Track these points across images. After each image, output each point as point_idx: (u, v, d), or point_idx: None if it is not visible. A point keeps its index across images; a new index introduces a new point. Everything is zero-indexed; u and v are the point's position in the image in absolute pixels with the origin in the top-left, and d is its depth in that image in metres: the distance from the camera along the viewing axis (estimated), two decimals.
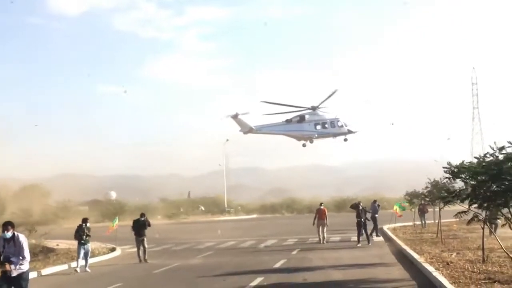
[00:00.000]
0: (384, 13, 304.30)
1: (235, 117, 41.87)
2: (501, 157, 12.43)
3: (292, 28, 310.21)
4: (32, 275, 17.44)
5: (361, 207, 25.29)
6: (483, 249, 15.82)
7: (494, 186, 12.55)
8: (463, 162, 14.06)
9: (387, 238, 26.67)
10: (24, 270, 9.68)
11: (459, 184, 15.64)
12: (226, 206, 74.58)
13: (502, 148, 12.35)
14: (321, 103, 42.89)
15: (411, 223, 33.73)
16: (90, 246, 19.70)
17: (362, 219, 24.83)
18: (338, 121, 43.49)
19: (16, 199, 51.45)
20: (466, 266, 14.48)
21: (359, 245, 23.90)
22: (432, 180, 24.64)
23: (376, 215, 28.32)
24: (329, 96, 41.77)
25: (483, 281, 12.00)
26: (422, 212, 33.61)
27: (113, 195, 76.73)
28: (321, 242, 25.58)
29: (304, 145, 44.30)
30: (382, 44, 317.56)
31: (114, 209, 59.56)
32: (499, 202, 12.70)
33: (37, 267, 19.09)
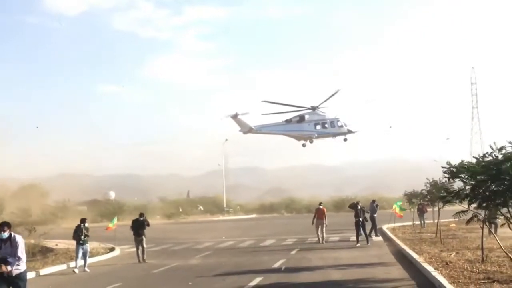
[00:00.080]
0: (384, 13, 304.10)
1: (234, 117, 41.88)
2: (500, 157, 12.42)
3: (291, 28, 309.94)
4: (31, 275, 17.47)
5: (359, 207, 25.30)
6: (482, 249, 15.82)
7: (493, 186, 12.53)
8: (462, 161, 14.05)
9: (386, 238, 26.67)
10: (22, 271, 9.66)
11: (458, 184, 15.63)
12: (225, 206, 74.61)
13: (502, 148, 12.35)
14: (323, 102, 42.87)
15: (410, 223, 33.72)
16: (89, 246, 19.71)
17: (361, 219, 24.83)
18: (338, 121, 43.50)
19: (15, 199, 51.39)
20: (465, 266, 14.48)
21: (358, 245, 23.90)
22: (431, 180, 24.62)
23: (375, 215, 28.33)
24: (331, 96, 41.80)
25: (482, 281, 12.00)
26: (421, 212, 33.61)
27: (112, 195, 76.71)
28: (320, 242, 25.58)
29: (304, 145, 44.32)
30: (382, 44, 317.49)
31: (113, 209, 59.56)
32: (498, 202, 12.69)
33: (36, 267, 19.10)
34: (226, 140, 73.47)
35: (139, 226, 21.32)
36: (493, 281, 11.87)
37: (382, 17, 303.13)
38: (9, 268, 9.39)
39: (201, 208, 72.80)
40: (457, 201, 15.75)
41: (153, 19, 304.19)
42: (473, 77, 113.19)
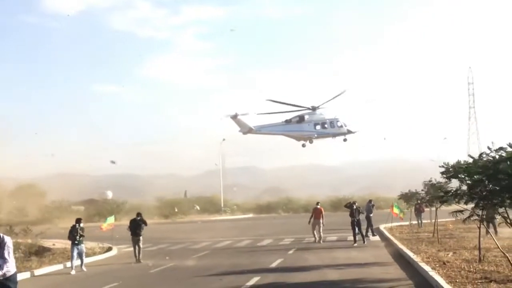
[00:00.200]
0: (384, 13, 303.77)
1: (234, 117, 41.86)
2: (497, 157, 12.43)
3: (291, 28, 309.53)
4: (26, 275, 17.49)
5: (355, 207, 25.32)
6: (479, 249, 15.83)
7: (491, 185, 12.54)
8: (458, 161, 14.07)
9: (384, 238, 26.69)
10: (12, 273, 9.55)
11: (455, 183, 15.64)
12: (222, 205, 74.55)
13: (500, 149, 12.36)
14: (327, 102, 42.86)
15: (407, 223, 33.76)
16: (84, 246, 19.64)
17: (356, 219, 24.87)
18: (338, 121, 43.50)
19: (12, 199, 51.34)
20: (463, 266, 14.50)
21: (355, 244, 23.90)
22: (429, 180, 24.64)
23: (371, 215, 28.40)
24: (336, 96, 41.87)
25: (480, 281, 12.01)
26: (419, 212, 33.66)
27: (109, 194, 76.53)
28: (316, 241, 25.61)
29: (303, 145, 44.32)
30: (382, 44, 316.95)
31: (110, 209, 59.46)
32: (495, 201, 12.70)
33: (33, 267, 19.06)
34: (224, 140, 73.61)
35: (136, 226, 21.29)
36: (491, 281, 11.87)
37: (382, 17, 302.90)
38: (1, 272, 9.29)
39: (198, 208, 72.71)
40: (455, 201, 15.77)
41: (151, 18, 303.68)
42: (470, 77, 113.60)
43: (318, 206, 26.68)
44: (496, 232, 22.43)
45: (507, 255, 13.38)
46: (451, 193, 15.15)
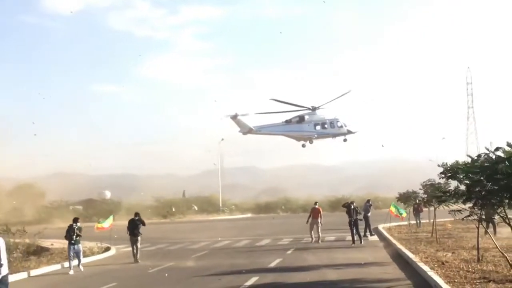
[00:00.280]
0: (384, 13, 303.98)
1: (234, 117, 41.84)
2: (494, 157, 12.43)
3: (291, 28, 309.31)
4: (24, 275, 17.48)
5: (352, 207, 25.32)
6: (478, 249, 15.84)
7: (489, 185, 12.54)
8: (457, 162, 14.06)
9: (382, 238, 26.69)
10: (4, 274, 9.50)
11: (454, 183, 15.64)
12: (221, 205, 74.55)
13: (497, 149, 12.36)
14: (330, 102, 42.84)
15: (406, 223, 33.76)
16: (81, 246, 19.56)
17: (353, 219, 24.87)
18: (338, 121, 43.47)
19: (11, 199, 51.29)
20: (461, 266, 14.50)
21: (353, 244, 23.90)
22: (427, 181, 24.64)
23: (368, 215, 28.42)
24: (340, 96, 41.88)
25: (478, 281, 12.00)
26: (417, 212, 33.65)
27: (108, 194, 76.51)
28: (313, 241, 25.62)
29: (303, 146, 44.33)
30: (382, 44, 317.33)
31: (108, 208, 59.42)
32: (494, 201, 12.70)
33: (31, 267, 19.04)
34: (222, 139, 73.71)
35: (134, 226, 21.26)
36: (489, 281, 11.87)
37: (382, 17, 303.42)
38: None
39: (196, 207, 72.69)
40: (452, 201, 15.77)
41: (150, 18, 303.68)
42: (469, 77, 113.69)
43: (316, 206, 26.68)
44: (495, 232, 22.44)
45: (505, 255, 13.38)
46: (449, 193, 15.16)
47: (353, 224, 24.74)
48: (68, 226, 19.27)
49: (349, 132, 44.17)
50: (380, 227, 31.86)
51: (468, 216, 14.42)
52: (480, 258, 15.27)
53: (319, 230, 25.98)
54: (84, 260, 19.48)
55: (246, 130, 42.40)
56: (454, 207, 15.67)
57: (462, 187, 14.13)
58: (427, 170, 25.76)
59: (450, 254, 17.52)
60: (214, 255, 22.35)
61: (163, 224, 52.75)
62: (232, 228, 41.67)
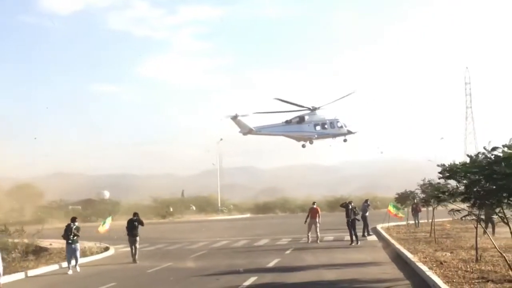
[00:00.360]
0: (384, 13, 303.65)
1: (234, 118, 41.81)
2: (492, 157, 12.45)
3: (290, 28, 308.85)
4: (20, 275, 17.47)
5: (350, 207, 25.33)
6: (476, 249, 15.85)
7: (488, 185, 12.55)
8: (454, 162, 14.07)
9: (381, 238, 26.70)
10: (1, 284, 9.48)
11: (452, 183, 15.66)
12: (219, 205, 74.51)
13: (494, 149, 12.38)
14: (333, 102, 42.84)
15: (404, 223, 33.78)
16: (79, 245, 19.44)
17: (351, 219, 24.89)
18: (338, 121, 43.46)
19: (9, 198, 51.25)
20: (460, 266, 14.51)
21: (353, 244, 23.92)
22: (427, 180, 24.68)
23: (366, 214, 28.43)
24: (344, 97, 41.91)
25: (477, 281, 12.02)
26: (416, 212, 33.68)
27: (107, 194, 76.48)
28: (309, 242, 25.64)
29: (303, 146, 44.34)
30: (382, 44, 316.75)
31: (107, 209, 59.42)
32: (492, 201, 12.71)
33: (30, 267, 19.03)
34: (221, 139, 73.79)
35: (132, 227, 21.22)
36: (487, 281, 11.89)
37: (382, 17, 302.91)
38: None
39: (194, 207, 72.64)
40: (451, 200, 15.78)
41: (149, 18, 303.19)
42: (467, 77, 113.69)
43: (315, 206, 26.70)
44: (494, 232, 22.47)
45: (504, 255, 13.39)
46: (448, 193, 15.17)
47: (350, 224, 24.77)
48: (66, 226, 19.23)
49: (349, 132, 44.18)
50: (379, 227, 31.87)
51: (467, 216, 14.45)
52: (479, 258, 15.28)
53: (318, 230, 25.99)
54: (83, 260, 19.43)
55: (246, 131, 42.38)
56: (453, 207, 15.69)
57: (461, 187, 14.15)
58: (426, 170, 25.79)
59: (449, 254, 17.54)
60: (212, 255, 22.35)
61: (162, 224, 52.73)
62: (230, 228, 41.65)
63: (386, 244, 23.12)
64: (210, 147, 79.67)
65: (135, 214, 21.93)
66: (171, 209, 67.78)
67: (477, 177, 12.68)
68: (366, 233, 27.96)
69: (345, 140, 44.67)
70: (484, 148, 12.68)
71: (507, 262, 12.93)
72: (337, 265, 17.19)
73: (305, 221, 26.55)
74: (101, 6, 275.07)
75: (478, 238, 16.42)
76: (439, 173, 14.77)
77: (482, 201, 12.95)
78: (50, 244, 26.19)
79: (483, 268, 13.87)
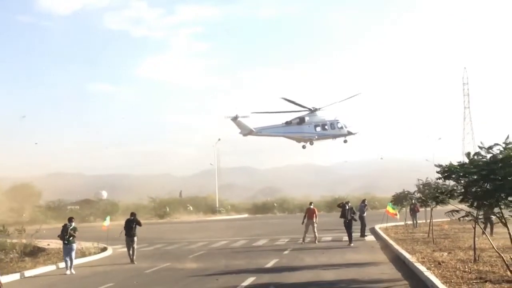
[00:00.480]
0: (384, 13, 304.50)
1: (234, 119, 41.77)
2: (489, 156, 12.47)
3: (290, 27, 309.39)
4: (16, 276, 17.42)
5: (347, 207, 25.34)
6: (474, 249, 15.87)
7: (486, 185, 12.56)
8: (451, 163, 14.07)
9: (379, 238, 26.71)
10: None
11: (451, 183, 15.67)
12: (217, 205, 74.47)
13: (490, 147, 12.39)
14: (338, 102, 42.80)
15: (402, 223, 33.80)
16: (75, 246, 19.37)
17: (348, 219, 24.89)
18: (338, 122, 43.44)
19: (7, 199, 51.21)
20: (458, 266, 14.52)
21: (352, 244, 23.92)
22: (424, 181, 24.69)
23: (364, 215, 28.43)
24: (349, 98, 41.90)
25: (475, 281, 12.03)
26: (414, 212, 33.69)
27: (104, 194, 76.48)
28: (304, 242, 25.63)
29: (304, 147, 44.33)
30: (382, 44, 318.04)
31: (105, 209, 59.39)
32: (490, 201, 12.73)
33: (28, 267, 18.99)
34: (219, 139, 73.93)
35: (130, 227, 21.18)
36: (486, 281, 11.89)
37: (382, 17, 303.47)
38: None
39: (191, 208, 72.61)
40: (449, 200, 15.78)
41: (147, 18, 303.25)
42: (465, 77, 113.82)
43: (311, 206, 26.70)
44: (492, 232, 22.49)
45: (502, 255, 13.40)
46: (446, 193, 15.18)
47: (347, 225, 24.80)
48: (63, 226, 19.19)
49: (350, 133, 44.16)
50: (377, 227, 31.88)
51: (465, 216, 14.46)
52: (477, 258, 15.30)
53: (315, 230, 26.00)
54: (80, 261, 19.38)
55: (247, 132, 42.34)
56: (451, 207, 15.70)
57: (460, 188, 14.16)
58: (423, 170, 25.84)
59: (447, 254, 17.55)
60: (211, 255, 22.34)
61: (160, 224, 52.70)
62: (229, 228, 41.62)
63: (384, 245, 23.13)
64: (209, 148, 79.73)
65: (133, 214, 21.90)
66: (168, 209, 67.77)
67: (475, 177, 12.68)
68: (364, 234, 27.96)
69: (345, 141, 44.67)
70: (480, 147, 12.68)
71: (505, 262, 12.94)
72: (336, 265, 17.20)
73: (302, 222, 26.57)
74: (99, 6, 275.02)
75: (476, 239, 16.43)
76: (437, 172, 14.78)
77: (480, 201, 12.97)
78: (48, 245, 26.15)
79: (481, 268, 13.88)
